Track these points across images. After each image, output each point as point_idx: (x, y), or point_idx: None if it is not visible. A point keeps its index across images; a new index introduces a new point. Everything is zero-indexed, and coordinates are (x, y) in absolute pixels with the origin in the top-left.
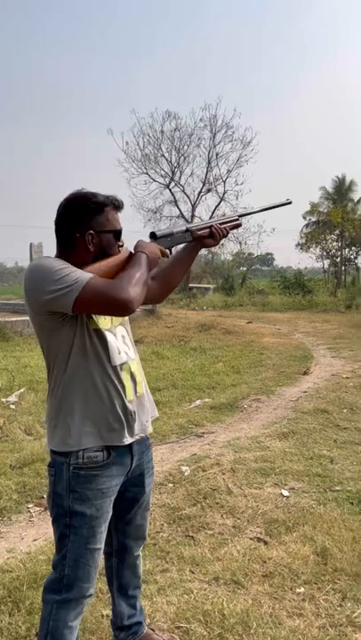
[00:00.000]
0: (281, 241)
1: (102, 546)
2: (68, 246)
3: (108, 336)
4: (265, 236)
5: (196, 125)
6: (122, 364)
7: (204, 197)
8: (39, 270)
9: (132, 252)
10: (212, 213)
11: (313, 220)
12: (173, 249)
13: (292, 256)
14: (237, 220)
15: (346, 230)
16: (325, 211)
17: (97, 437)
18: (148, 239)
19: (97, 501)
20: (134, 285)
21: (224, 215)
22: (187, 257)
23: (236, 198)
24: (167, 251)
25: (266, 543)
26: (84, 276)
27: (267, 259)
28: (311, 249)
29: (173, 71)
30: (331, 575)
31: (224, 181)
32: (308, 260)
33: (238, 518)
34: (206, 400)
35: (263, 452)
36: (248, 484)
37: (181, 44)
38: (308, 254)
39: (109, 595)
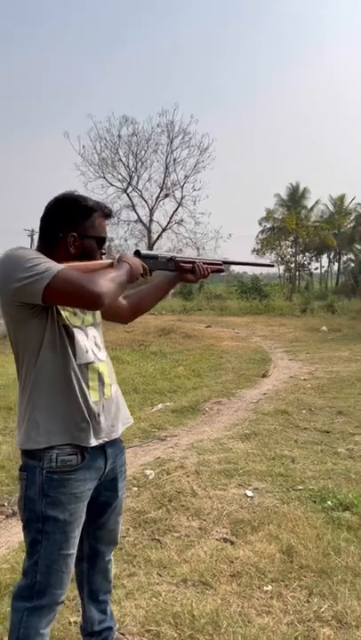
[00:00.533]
0: (237, 247)
1: (75, 551)
2: (50, 245)
3: (77, 334)
4: (222, 242)
5: (154, 131)
6: (88, 364)
7: (161, 202)
8: (11, 259)
9: (114, 262)
10: (170, 218)
11: (268, 226)
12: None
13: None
14: (220, 265)
15: (300, 236)
16: (280, 217)
17: (66, 435)
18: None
19: (71, 506)
20: (108, 281)
21: (200, 254)
22: (164, 285)
23: (194, 204)
24: (148, 271)
25: (232, 543)
26: (56, 266)
27: None
28: (267, 254)
29: (132, 76)
30: (297, 572)
31: (182, 187)
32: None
33: (204, 520)
34: (168, 404)
35: (226, 454)
36: (212, 485)
37: (141, 48)
38: (264, 260)
39: (77, 601)
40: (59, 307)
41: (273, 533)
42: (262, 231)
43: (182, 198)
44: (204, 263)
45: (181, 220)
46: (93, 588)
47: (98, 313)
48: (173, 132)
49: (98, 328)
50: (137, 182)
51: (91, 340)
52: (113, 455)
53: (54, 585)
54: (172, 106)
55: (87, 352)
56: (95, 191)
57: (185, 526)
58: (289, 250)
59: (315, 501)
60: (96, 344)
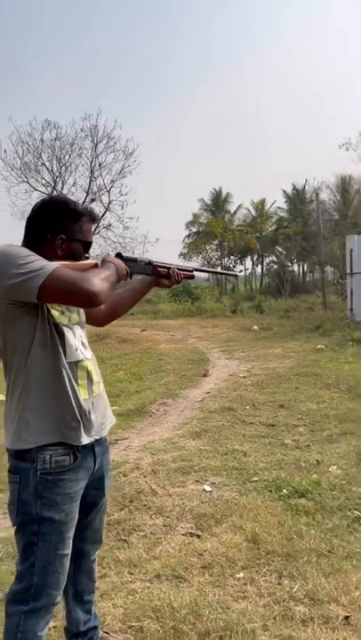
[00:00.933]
0: (165, 251)
1: (70, 551)
2: (37, 245)
3: (67, 332)
4: (150, 246)
5: (77, 135)
6: (78, 362)
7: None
8: (3, 256)
9: (97, 263)
10: (98, 223)
11: (194, 230)
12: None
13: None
14: (192, 272)
15: (226, 240)
16: (205, 221)
17: (57, 434)
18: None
19: (66, 506)
20: (102, 280)
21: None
22: (141, 289)
23: (122, 208)
24: (129, 274)
25: (199, 537)
26: (51, 264)
27: None
28: (193, 258)
29: (51, 78)
30: (265, 558)
31: (108, 191)
32: None
33: (167, 517)
34: (114, 407)
35: (180, 452)
36: (171, 483)
37: (64, 52)
38: (192, 263)
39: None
40: (48, 305)
41: (237, 524)
42: (188, 235)
43: (110, 203)
44: (178, 269)
45: (109, 225)
46: (79, 589)
47: (82, 312)
48: (98, 136)
49: (83, 327)
50: (62, 187)
51: (78, 338)
52: (100, 454)
53: (51, 586)
54: (95, 110)
55: (76, 350)
56: (19, 196)
57: (149, 525)
58: (214, 253)
59: (271, 491)
60: (82, 343)
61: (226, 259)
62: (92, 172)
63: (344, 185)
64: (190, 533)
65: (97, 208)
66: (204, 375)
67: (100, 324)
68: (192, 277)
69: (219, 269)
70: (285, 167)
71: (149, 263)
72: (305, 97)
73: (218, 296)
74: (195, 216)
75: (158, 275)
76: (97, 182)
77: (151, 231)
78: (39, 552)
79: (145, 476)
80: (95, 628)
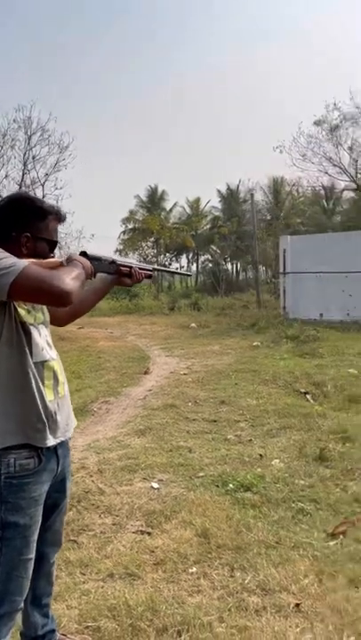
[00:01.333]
0: (101, 247)
1: (34, 555)
2: (1, 243)
3: (33, 331)
4: (85, 242)
5: (10, 126)
6: (44, 362)
7: None
8: None
9: (64, 262)
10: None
11: (130, 227)
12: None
13: None
14: (151, 271)
15: (163, 238)
16: (141, 218)
17: (21, 436)
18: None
19: (30, 510)
20: (74, 279)
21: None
22: (103, 287)
23: (57, 202)
24: (94, 272)
25: (149, 534)
26: (21, 261)
27: None
28: (130, 255)
29: None
30: (216, 552)
31: (42, 185)
32: None
33: (117, 515)
34: None
35: (125, 450)
36: (118, 482)
37: None
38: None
39: None
40: (15, 303)
41: (186, 519)
42: (124, 232)
43: (44, 197)
44: (139, 268)
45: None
46: (37, 593)
47: (47, 312)
48: (31, 128)
49: (47, 327)
50: None
51: (43, 337)
52: (63, 456)
53: (14, 592)
54: (29, 102)
55: (42, 350)
56: None
57: (99, 524)
58: (150, 251)
59: (218, 486)
60: (48, 342)
61: (162, 256)
62: (25, 164)
63: (276, 186)
64: (141, 531)
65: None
66: (145, 373)
67: (61, 324)
68: (151, 277)
69: (156, 267)
70: (221, 167)
71: (113, 262)
72: (241, 96)
73: (155, 293)
74: (131, 212)
75: (120, 274)
76: (30, 175)
77: (87, 226)
78: (3, 558)
79: (91, 476)
80: (53, 631)
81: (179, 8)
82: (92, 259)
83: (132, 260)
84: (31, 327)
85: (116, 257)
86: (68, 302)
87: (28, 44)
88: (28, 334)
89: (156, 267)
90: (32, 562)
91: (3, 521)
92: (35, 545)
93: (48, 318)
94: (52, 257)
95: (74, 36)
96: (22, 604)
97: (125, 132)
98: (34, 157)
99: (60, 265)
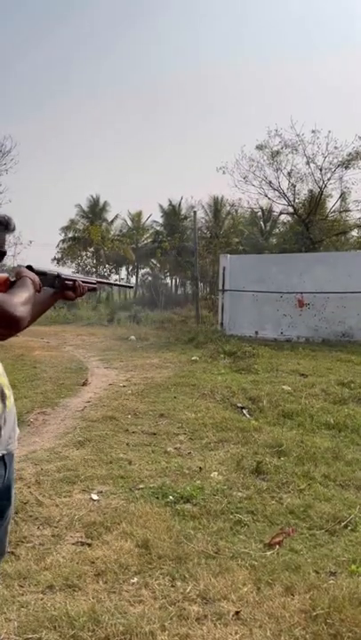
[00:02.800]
0: (38, 254)
1: None
2: None
3: None
4: (22, 248)
5: None
6: None
7: None
8: None
9: (11, 278)
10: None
11: (70, 235)
12: None
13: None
14: (95, 284)
15: (104, 248)
16: (81, 228)
17: None
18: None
19: None
20: (25, 304)
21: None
22: (48, 302)
23: None
24: (40, 287)
25: (89, 545)
26: None
27: None
28: (68, 264)
29: None
30: (157, 562)
31: None
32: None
33: (56, 527)
34: None
35: (64, 462)
36: (57, 493)
37: None
38: (66, 269)
39: None
40: None
41: (127, 531)
42: (63, 240)
43: None
44: (82, 281)
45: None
46: None
47: None
48: None
49: None
50: None
51: None
52: (9, 462)
53: None
54: None
55: None
56: None
57: (37, 535)
58: (89, 260)
59: (158, 497)
60: None
61: (102, 267)
62: None
63: (217, 205)
64: (81, 542)
65: None
66: (84, 384)
67: (1, 339)
68: (95, 290)
69: (100, 280)
70: (163, 182)
71: (58, 276)
72: (189, 111)
73: (94, 304)
74: (72, 221)
75: (65, 287)
76: None
77: (24, 233)
78: None
79: (29, 487)
80: None
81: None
82: (38, 273)
83: (75, 273)
84: None
85: (61, 271)
86: (18, 330)
87: None
88: None
89: (99, 279)
90: None
91: None
92: None
93: None
94: None
95: (15, 33)
96: None
97: (68, 139)
98: None
99: (7, 281)
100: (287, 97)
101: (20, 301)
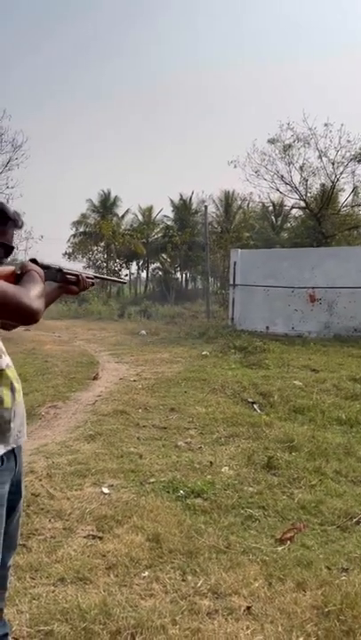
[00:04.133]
0: (49, 249)
1: (1, 555)
2: None
3: None
4: (33, 242)
5: None
6: (1, 370)
7: None
8: None
9: (17, 271)
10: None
11: (81, 230)
12: None
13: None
14: (93, 278)
15: (116, 243)
16: (92, 222)
17: None
18: None
19: None
20: (39, 297)
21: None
22: (52, 293)
23: (7, 202)
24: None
25: (100, 539)
26: None
27: None
28: (79, 259)
29: None
30: (168, 556)
31: None
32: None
33: (67, 520)
34: None
35: (75, 456)
36: (68, 486)
37: None
38: (77, 264)
39: None
40: None
41: (137, 524)
42: (75, 235)
43: None
44: (85, 276)
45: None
46: None
47: None
48: None
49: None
50: None
51: None
52: (19, 455)
53: None
54: None
55: (1, 357)
56: None
57: (49, 528)
58: (100, 255)
59: (168, 492)
60: (1, 350)
61: (112, 262)
62: None
63: (228, 200)
64: (92, 535)
65: None
66: (95, 378)
67: (7, 329)
68: (93, 285)
69: (105, 274)
70: (175, 177)
71: (60, 270)
72: (199, 104)
73: (105, 299)
74: (83, 216)
75: (67, 282)
76: None
77: (36, 227)
78: None
79: (40, 480)
80: (5, 635)
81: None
82: (42, 267)
83: (77, 267)
84: None
85: (63, 265)
86: (35, 321)
87: None
88: None
89: (95, 274)
90: None
91: None
92: (1, 547)
93: None
94: (1, 263)
95: (29, 31)
96: None
97: (81, 134)
98: None
99: (13, 274)
100: (302, 92)
101: (35, 294)
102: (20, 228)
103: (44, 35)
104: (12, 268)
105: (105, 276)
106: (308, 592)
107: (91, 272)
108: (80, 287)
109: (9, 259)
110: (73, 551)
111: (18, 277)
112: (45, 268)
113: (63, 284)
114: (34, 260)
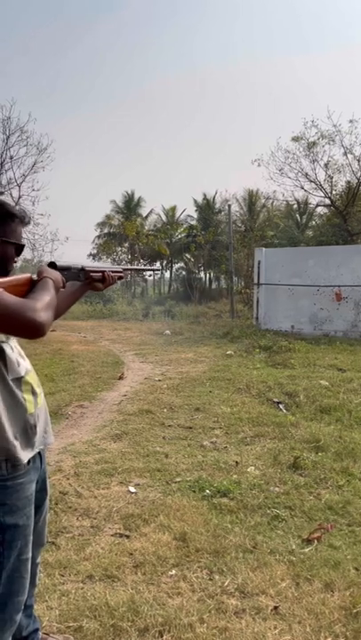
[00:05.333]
0: (75, 250)
1: (31, 554)
2: None
3: (6, 348)
4: (59, 244)
5: None
6: (21, 377)
7: None
8: None
9: (33, 277)
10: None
11: (105, 231)
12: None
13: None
14: (122, 272)
15: (140, 244)
16: (116, 223)
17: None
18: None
19: (26, 509)
20: (46, 309)
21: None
22: (75, 293)
23: (33, 204)
24: (64, 283)
25: (128, 537)
26: None
27: None
28: (103, 259)
29: None
30: (194, 555)
31: (19, 186)
32: None
33: (95, 518)
34: None
35: (102, 455)
36: (95, 485)
37: None
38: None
39: None
40: None
41: (164, 523)
42: (99, 236)
43: (19, 198)
44: (111, 271)
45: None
46: None
47: None
48: (10, 128)
49: (16, 339)
50: None
51: (15, 352)
52: (43, 454)
53: (16, 593)
54: (8, 101)
55: (19, 366)
56: None
57: (77, 526)
58: (124, 256)
59: (194, 491)
60: (20, 355)
61: (136, 262)
62: (1, 164)
63: (251, 199)
64: (119, 534)
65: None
66: (120, 378)
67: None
68: (122, 278)
69: (126, 267)
70: (198, 176)
71: (82, 269)
72: (221, 107)
73: (130, 299)
74: (107, 217)
75: (91, 279)
76: (7, 175)
77: (61, 229)
78: (5, 560)
79: (68, 479)
80: (36, 630)
81: (170, 12)
82: (61, 269)
83: (101, 264)
84: (2, 344)
85: (86, 263)
86: (40, 335)
87: (8, 44)
88: (3, 353)
89: (125, 267)
90: (30, 561)
91: (2, 524)
92: (31, 544)
93: None
94: (16, 261)
95: (55, 36)
96: (23, 606)
97: (105, 136)
98: (11, 157)
99: (29, 281)
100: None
101: (41, 306)
102: (28, 224)
103: (71, 37)
104: (27, 275)
105: (136, 267)
106: (335, 593)
107: (120, 267)
108: (106, 283)
109: (20, 257)
110: (101, 549)
111: (34, 284)
112: (65, 269)
113: (87, 283)
114: (52, 264)
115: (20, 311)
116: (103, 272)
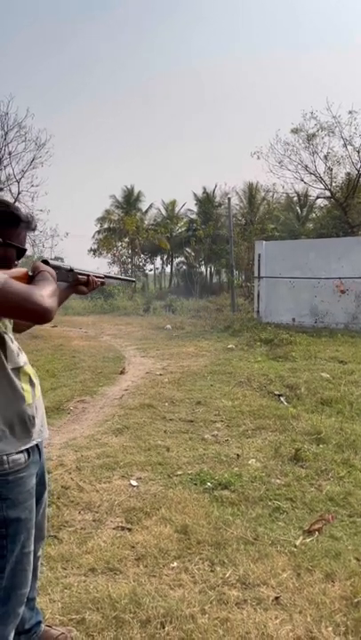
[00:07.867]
0: (74, 246)
1: (33, 547)
2: None
3: (6, 338)
4: (59, 240)
5: None
6: (20, 367)
7: None
8: None
9: (29, 272)
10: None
11: (105, 226)
12: None
13: (86, 261)
14: (103, 278)
15: (140, 238)
16: (116, 218)
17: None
18: None
19: (28, 503)
20: (51, 296)
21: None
22: (62, 294)
23: (32, 200)
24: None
25: (129, 530)
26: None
27: None
28: (103, 254)
29: None
30: (196, 547)
31: (18, 182)
32: (104, 266)
33: (96, 512)
34: None
35: (103, 449)
36: (97, 479)
37: None
38: (102, 260)
39: None
40: None
41: (166, 516)
42: (99, 231)
43: (19, 193)
44: (95, 276)
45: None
46: None
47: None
48: (8, 124)
49: (13, 332)
50: None
51: (15, 343)
52: (42, 448)
53: (19, 585)
54: (6, 97)
55: (18, 356)
56: None
57: (78, 520)
58: (124, 251)
59: (196, 484)
60: (18, 347)
61: (136, 257)
62: (0, 160)
63: (251, 192)
64: (121, 527)
65: (5, 198)
66: (121, 373)
67: (19, 331)
68: (104, 284)
69: (130, 269)
70: (198, 170)
71: (71, 270)
72: (219, 101)
73: (131, 294)
74: (107, 212)
75: (78, 282)
76: (5, 171)
77: (61, 224)
78: (9, 554)
79: (69, 473)
80: (39, 623)
81: (169, 6)
82: (53, 267)
83: (86, 267)
84: (4, 335)
85: (73, 265)
86: (47, 320)
87: (7, 38)
88: (3, 342)
89: (105, 274)
90: (32, 554)
91: (5, 518)
92: (33, 537)
93: (12, 324)
94: (16, 265)
95: (54, 29)
96: (26, 598)
97: (103, 131)
98: (10, 153)
99: (26, 275)
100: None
101: (47, 293)
102: (34, 230)
103: (67, 33)
104: (24, 269)
105: (114, 276)
106: (336, 583)
107: (101, 272)
108: (89, 287)
109: (20, 261)
110: (103, 542)
111: (30, 279)
112: (56, 268)
113: (74, 285)
114: (45, 261)
115: (28, 296)
116: (88, 276)
